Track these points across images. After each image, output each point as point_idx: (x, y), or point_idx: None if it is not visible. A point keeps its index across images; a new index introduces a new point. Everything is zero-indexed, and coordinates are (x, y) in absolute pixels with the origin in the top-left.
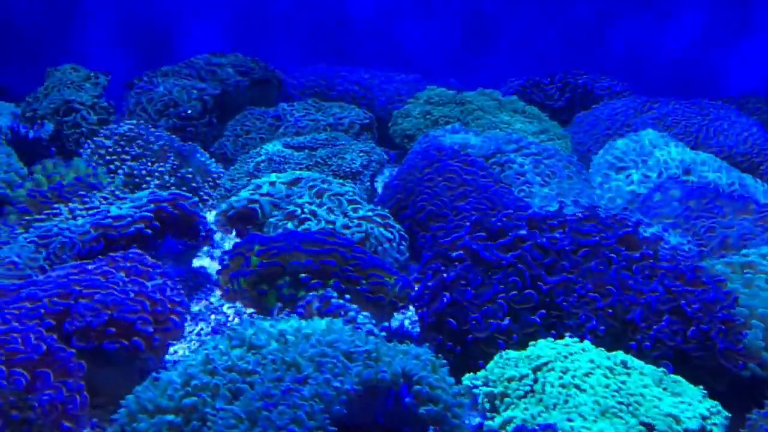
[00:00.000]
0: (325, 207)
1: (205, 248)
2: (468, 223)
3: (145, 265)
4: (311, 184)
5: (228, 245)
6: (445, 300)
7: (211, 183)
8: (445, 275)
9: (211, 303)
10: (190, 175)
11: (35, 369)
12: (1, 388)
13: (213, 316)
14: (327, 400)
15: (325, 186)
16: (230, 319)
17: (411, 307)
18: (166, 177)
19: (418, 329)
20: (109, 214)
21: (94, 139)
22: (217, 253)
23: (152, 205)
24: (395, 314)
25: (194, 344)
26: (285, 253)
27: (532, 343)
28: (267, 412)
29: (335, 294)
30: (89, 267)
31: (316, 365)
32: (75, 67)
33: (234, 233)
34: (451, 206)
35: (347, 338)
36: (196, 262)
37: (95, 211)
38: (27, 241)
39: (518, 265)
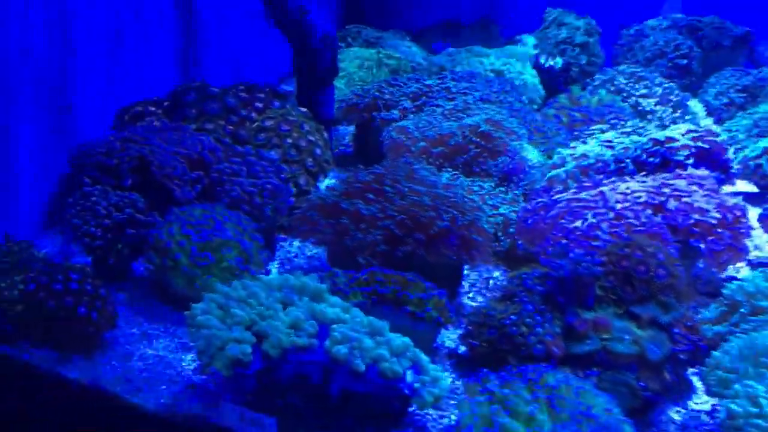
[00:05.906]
0: None
1: None
2: None
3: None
4: None
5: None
6: None
7: None
8: None
9: None
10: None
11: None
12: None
13: None
14: None
15: None
16: None
17: None
18: (666, 118)
19: None
20: (665, 135)
21: (607, 72)
22: None
23: (690, 135)
24: None
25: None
26: None
27: None
28: None
29: None
30: (647, 178)
31: None
32: (564, 11)
33: None
34: None
35: None
36: None
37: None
38: (598, 143)
39: None
